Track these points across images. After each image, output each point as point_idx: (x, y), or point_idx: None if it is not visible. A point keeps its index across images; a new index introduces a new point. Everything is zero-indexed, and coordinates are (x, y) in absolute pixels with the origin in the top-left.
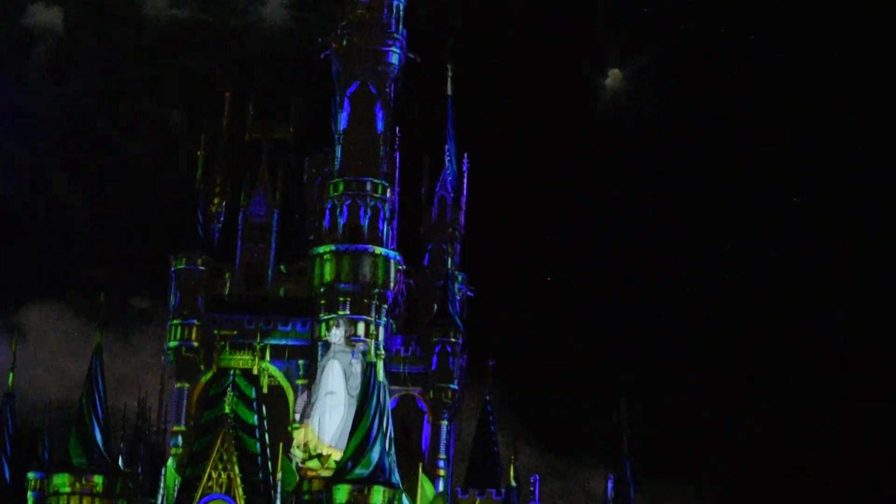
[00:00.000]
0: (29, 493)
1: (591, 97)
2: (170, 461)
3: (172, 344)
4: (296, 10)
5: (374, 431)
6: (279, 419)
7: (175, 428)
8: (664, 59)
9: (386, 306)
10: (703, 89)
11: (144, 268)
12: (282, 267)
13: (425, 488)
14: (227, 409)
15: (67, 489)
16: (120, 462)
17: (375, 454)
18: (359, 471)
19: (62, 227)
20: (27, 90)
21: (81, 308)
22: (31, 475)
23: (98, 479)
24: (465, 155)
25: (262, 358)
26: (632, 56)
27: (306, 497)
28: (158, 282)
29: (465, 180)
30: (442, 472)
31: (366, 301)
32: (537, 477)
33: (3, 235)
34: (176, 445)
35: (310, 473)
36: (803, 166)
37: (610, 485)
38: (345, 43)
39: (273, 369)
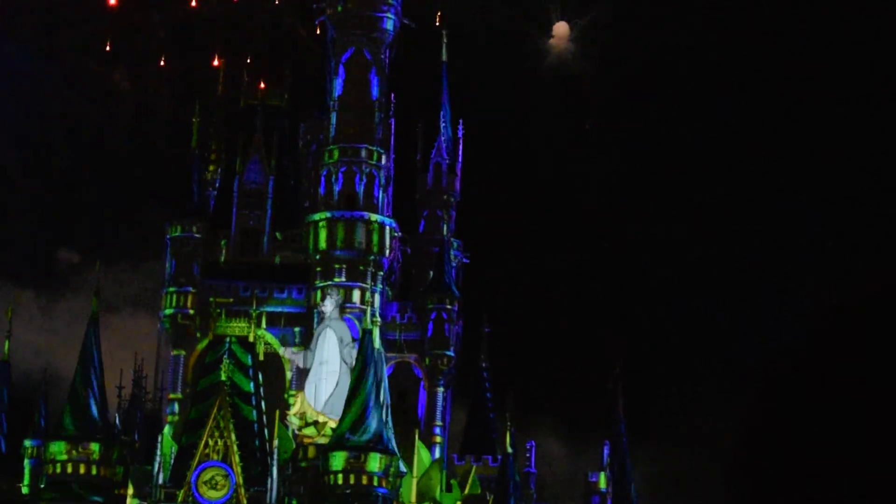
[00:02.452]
0: (25, 461)
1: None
2: (166, 429)
3: (168, 311)
4: None
5: (371, 399)
6: (275, 386)
7: (171, 395)
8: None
9: (381, 273)
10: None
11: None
12: (277, 234)
13: (422, 455)
14: (223, 377)
15: (64, 457)
16: (116, 429)
17: (372, 422)
18: (356, 438)
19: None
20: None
21: None
22: (27, 443)
23: (94, 447)
24: (461, 121)
25: (258, 325)
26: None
27: (303, 464)
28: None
29: (461, 146)
30: (438, 439)
31: (361, 268)
32: (533, 443)
33: None
34: (172, 413)
35: (306, 441)
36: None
37: (606, 450)
38: (340, 9)
39: (269, 336)
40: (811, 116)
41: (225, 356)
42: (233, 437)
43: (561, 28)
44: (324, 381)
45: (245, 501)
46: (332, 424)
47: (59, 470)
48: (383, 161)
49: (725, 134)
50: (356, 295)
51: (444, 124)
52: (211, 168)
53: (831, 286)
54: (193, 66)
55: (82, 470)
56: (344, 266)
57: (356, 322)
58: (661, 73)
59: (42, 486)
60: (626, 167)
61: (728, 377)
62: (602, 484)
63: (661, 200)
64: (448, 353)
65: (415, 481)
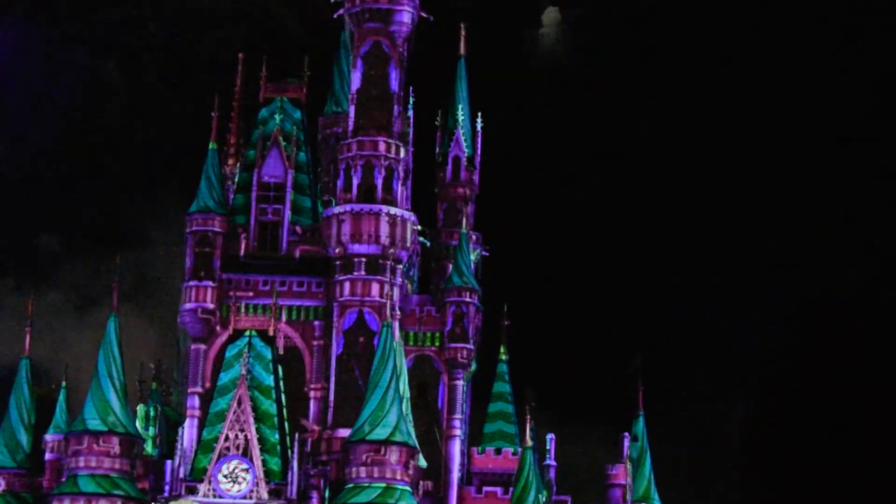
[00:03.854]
0: (46, 454)
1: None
2: (186, 422)
3: (189, 305)
4: None
5: (391, 393)
6: (295, 379)
7: (192, 389)
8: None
9: (401, 266)
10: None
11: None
12: (297, 228)
13: None
14: (243, 371)
15: (85, 451)
16: (137, 423)
17: (392, 416)
18: (376, 432)
19: None
20: None
21: None
22: (48, 436)
23: (115, 441)
24: (479, 114)
25: (278, 319)
26: None
27: (323, 458)
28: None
29: (479, 140)
30: (457, 432)
31: (380, 262)
32: (552, 436)
33: None
34: (192, 407)
35: (326, 434)
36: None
37: (626, 443)
38: (357, 2)
39: (290, 330)
40: (809, 115)
41: (245, 350)
42: (253, 430)
43: (551, 15)
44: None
45: (266, 495)
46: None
47: (82, 464)
48: (402, 154)
49: (727, 135)
50: (375, 288)
51: (462, 117)
52: (230, 162)
53: (825, 284)
54: (211, 61)
55: (102, 464)
56: (363, 259)
57: (375, 315)
58: (657, 70)
59: (63, 479)
60: (651, 164)
61: (731, 374)
62: (621, 477)
63: (665, 201)
64: (468, 345)
65: None
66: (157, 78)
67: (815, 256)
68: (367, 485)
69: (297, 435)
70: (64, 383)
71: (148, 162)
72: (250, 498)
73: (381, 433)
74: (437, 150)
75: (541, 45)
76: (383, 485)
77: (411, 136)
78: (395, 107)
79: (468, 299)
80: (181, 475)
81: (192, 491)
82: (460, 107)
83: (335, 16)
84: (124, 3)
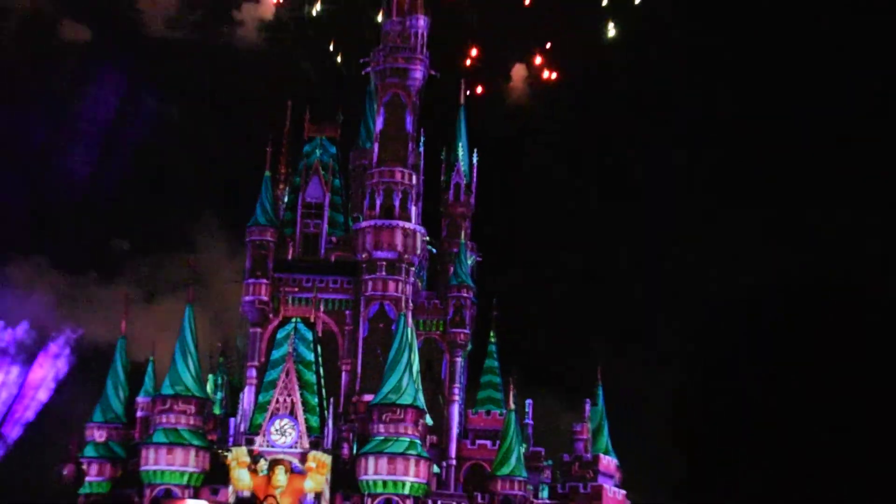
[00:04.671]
0: (137, 414)
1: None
2: (246, 389)
3: (248, 298)
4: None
5: (405, 367)
6: (331, 356)
7: (250, 363)
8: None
9: (413, 269)
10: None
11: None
12: (333, 238)
13: None
14: (290, 349)
15: (169, 410)
16: (207, 389)
17: (406, 385)
18: (393, 397)
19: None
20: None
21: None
22: (139, 399)
23: (192, 402)
24: (475, 150)
25: (318, 309)
26: None
27: (352, 418)
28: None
29: (475, 171)
30: (456, 398)
31: (397, 265)
32: (531, 401)
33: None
34: (250, 377)
35: (354, 399)
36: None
37: (587, 407)
38: (381, 62)
39: (326, 318)
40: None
41: (292, 332)
42: (298, 395)
43: (519, 71)
44: None
45: (307, 445)
46: None
47: (165, 420)
48: (414, 181)
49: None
50: (392, 286)
51: (462, 153)
52: (280, 186)
53: (742, 281)
54: (261, 107)
55: (181, 421)
56: (384, 263)
57: (393, 307)
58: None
59: (150, 433)
60: (597, 198)
61: (666, 353)
62: (584, 433)
63: (615, 221)
64: (465, 330)
65: None
66: (211, 120)
67: (738, 256)
68: (385, 438)
69: (331, 399)
70: (151, 357)
71: (197, 184)
72: (295, 448)
73: (397, 398)
74: (442, 178)
75: (509, 98)
76: (398, 438)
77: (422, 166)
78: (410, 144)
79: (465, 294)
80: (242, 430)
81: (251, 442)
82: (460, 144)
83: (364, 73)
84: (186, 58)
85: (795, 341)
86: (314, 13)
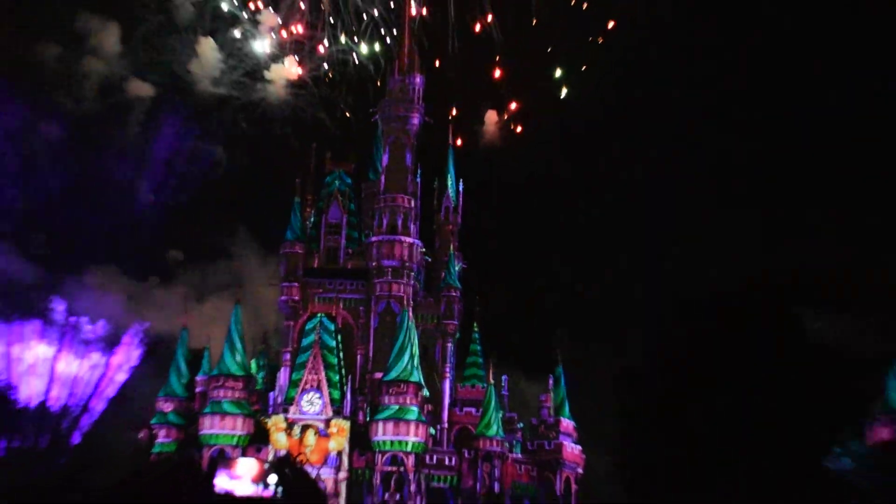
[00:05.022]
0: (197, 389)
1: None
2: (282, 369)
3: (283, 298)
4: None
5: (407, 351)
6: (348, 343)
7: (285, 349)
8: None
9: (413, 273)
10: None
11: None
12: (349, 250)
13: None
14: (316, 338)
15: (221, 386)
16: (252, 369)
17: (411, 367)
18: (398, 375)
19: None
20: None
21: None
22: (198, 377)
23: (240, 380)
24: (461, 180)
25: (338, 306)
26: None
27: (366, 391)
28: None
29: (461, 196)
30: (448, 375)
31: (400, 271)
32: (506, 377)
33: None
34: (285, 360)
35: (367, 376)
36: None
37: (551, 381)
38: (386, 111)
39: (344, 313)
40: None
41: (318, 325)
42: (323, 374)
43: (491, 116)
44: None
45: (331, 413)
46: None
47: (218, 395)
48: (413, 205)
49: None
50: (396, 288)
51: (451, 182)
52: (307, 210)
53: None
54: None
55: (231, 395)
56: (390, 269)
57: (398, 304)
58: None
59: (207, 404)
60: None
61: (616, 338)
62: (548, 401)
63: (578, 226)
64: (454, 322)
65: None
66: (248, 157)
67: (686, 256)
68: (393, 407)
69: (349, 377)
70: (208, 346)
71: (235, 208)
72: (321, 416)
73: (401, 375)
74: (435, 202)
75: (483, 139)
76: (402, 407)
77: (419, 193)
78: (409, 176)
79: (454, 294)
80: (279, 401)
81: (286, 411)
82: (449, 175)
83: (373, 119)
84: (229, 109)
85: (731, 345)
86: (329, 76)
